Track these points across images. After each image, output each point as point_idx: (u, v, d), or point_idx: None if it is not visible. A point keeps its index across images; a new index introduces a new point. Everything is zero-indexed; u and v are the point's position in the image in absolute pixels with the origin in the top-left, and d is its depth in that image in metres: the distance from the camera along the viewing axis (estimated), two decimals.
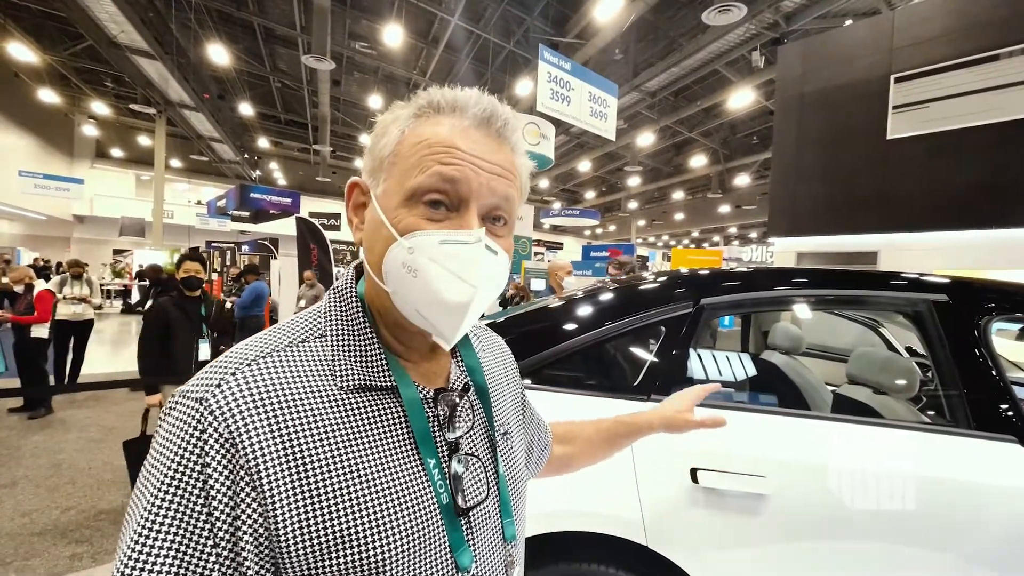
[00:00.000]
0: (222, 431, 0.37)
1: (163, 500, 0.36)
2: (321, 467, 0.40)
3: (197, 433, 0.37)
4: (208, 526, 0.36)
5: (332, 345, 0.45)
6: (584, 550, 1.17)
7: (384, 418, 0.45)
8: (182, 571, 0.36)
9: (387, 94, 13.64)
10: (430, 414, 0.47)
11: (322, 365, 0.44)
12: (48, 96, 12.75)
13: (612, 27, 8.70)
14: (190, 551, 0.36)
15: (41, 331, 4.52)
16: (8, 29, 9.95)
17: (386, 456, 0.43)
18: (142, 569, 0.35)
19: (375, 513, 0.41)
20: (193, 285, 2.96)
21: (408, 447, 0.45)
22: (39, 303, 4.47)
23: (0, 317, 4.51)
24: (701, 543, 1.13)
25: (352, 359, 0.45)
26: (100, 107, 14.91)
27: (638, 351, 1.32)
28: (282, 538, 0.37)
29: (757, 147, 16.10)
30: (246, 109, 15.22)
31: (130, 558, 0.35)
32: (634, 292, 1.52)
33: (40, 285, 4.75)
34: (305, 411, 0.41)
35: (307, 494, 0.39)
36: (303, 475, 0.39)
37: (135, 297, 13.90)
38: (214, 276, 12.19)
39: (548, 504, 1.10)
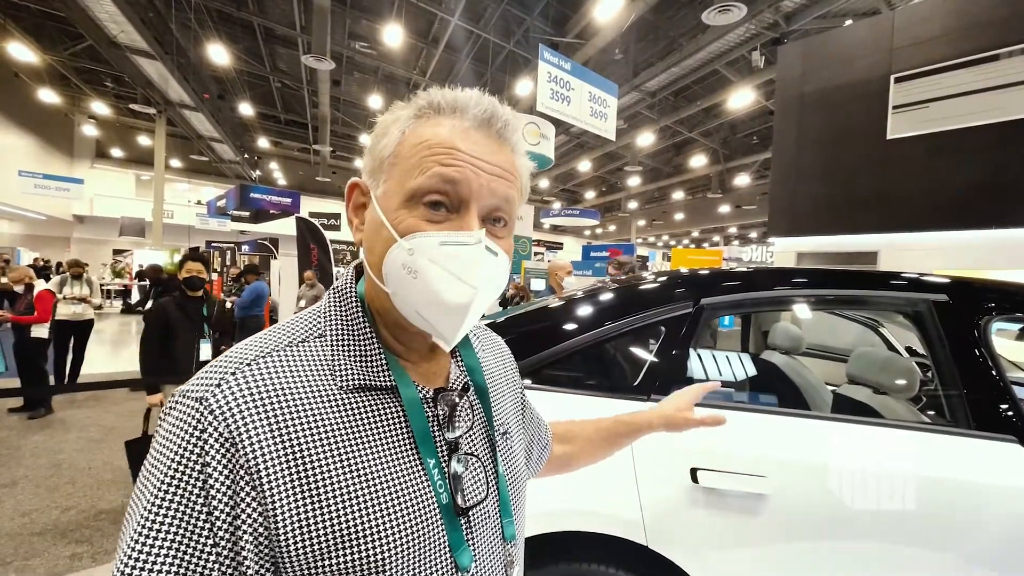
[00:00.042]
0: (222, 430, 0.37)
1: (163, 499, 0.36)
2: (321, 467, 0.40)
3: (197, 432, 0.38)
4: (208, 525, 0.36)
5: (332, 345, 0.45)
6: (584, 550, 1.17)
7: (384, 418, 0.45)
8: (182, 570, 0.36)
9: (387, 94, 13.64)
10: (430, 414, 0.47)
11: (322, 365, 0.44)
12: (48, 96, 12.76)
13: (612, 27, 8.70)
14: (190, 550, 0.36)
15: (41, 331, 4.52)
16: (8, 29, 9.95)
17: (386, 456, 0.43)
18: (142, 568, 0.35)
19: (375, 513, 0.41)
20: (195, 285, 2.97)
21: (408, 447, 0.45)
22: (39, 303, 4.47)
23: (0, 317, 4.51)
24: (701, 543, 1.13)
25: (352, 359, 0.45)
26: (100, 107, 14.91)
27: (638, 351, 1.32)
28: (282, 537, 0.37)
29: (757, 147, 16.10)
30: (246, 109, 15.22)
31: (130, 557, 0.35)
32: (634, 292, 1.52)
33: (40, 285, 4.75)
34: (305, 411, 0.41)
35: (307, 493, 0.39)
36: (303, 474, 0.39)
37: (135, 297, 13.90)
38: (214, 276, 12.19)
39: (548, 504, 1.10)
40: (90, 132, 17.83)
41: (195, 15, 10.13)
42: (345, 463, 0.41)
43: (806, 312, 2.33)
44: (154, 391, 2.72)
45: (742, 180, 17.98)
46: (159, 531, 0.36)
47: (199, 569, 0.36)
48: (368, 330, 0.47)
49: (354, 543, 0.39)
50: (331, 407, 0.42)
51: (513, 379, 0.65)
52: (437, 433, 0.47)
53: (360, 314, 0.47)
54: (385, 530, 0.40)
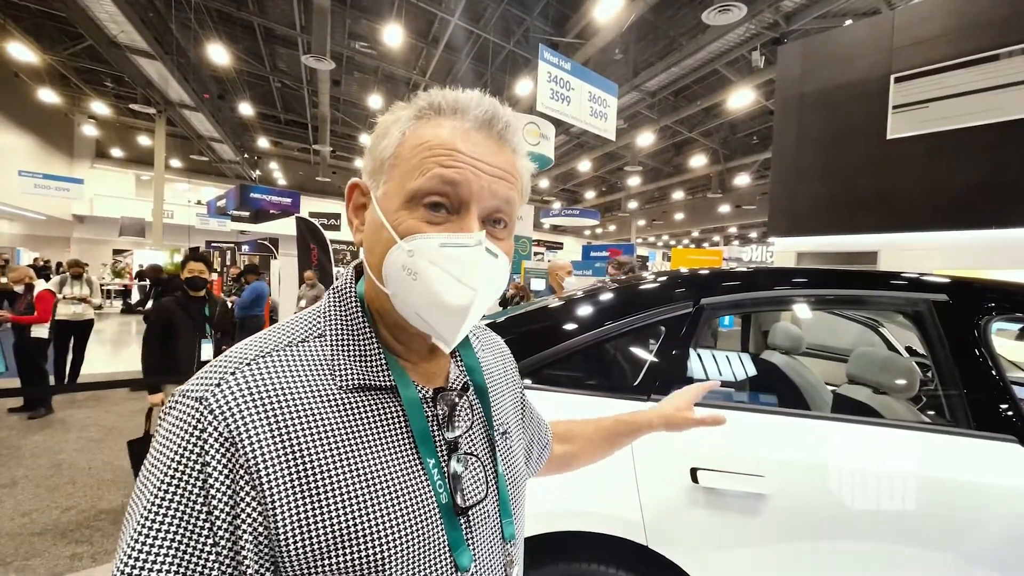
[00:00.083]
0: (222, 430, 0.37)
1: (163, 499, 0.36)
2: (320, 466, 0.40)
3: (197, 432, 0.38)
4: (208, 525, 0.36)
5: (332, 345, 0.45)
6: (584, 550, 1.17)
7: (383, 418, 0.45)
8: (182, 570, 0.36)
9: (387, 94, 13.64)
10: (429, 414, 0.47)
11: (321, 365, 0.44)
12: (48, 96, 12.75)
13: (612, 27, 8.70)
14: (190, 550, 0.36)
15: (41, 331, 4.52)
16: (8, 29, 9.95)
17: (385, 455, 0.43)
18: (142, 568, 0.35)
19: (374, 512, 0.41)
20: (197, 285, 2.98)
21: (407, 447, 0.45)
22: (39, 303, 4.47)
23: (0, 317, 4.51)
24: (701, 543, 1.13)
25: (351, 359, 0.45)
26: (100, 107, 14.91)
27: (638, 351, 1.32)
28: (281, 537, 0.37)
29: (757, 147, 16.10)
30: (246, 109, 15.22)
31: (130, 556, 0.35)
32: (634, 292, 1.52)
33: (40, 285, 4.75)
34: (304, 410, 0.41)
35: (306, 493, 0.39)
36: (302, 474, 0.39)
37: (135, 297, 13.90)
38: (213, 276, 12.18)
39: (548, 504, 1.10)
40: (90, 132, 17.82)
41: (195, 15, 10.13)
42: (345, 463, 0.41)
43: (806, 312, 2.33)
44: (156, 391, 2.73)
45: (742, 180, 17.98)
46: (159, 530, 0.36)
47: (199, 568, 0.36)
48: (368, 330, 0.47)
49: (353, 543, 0.39)
50: (331, 407, 0.42)
51: (513, 379, 0.65)
52: (437, 433, 0.47)
53: (360, 314, 0.47)
54: (384, 530, 0.40)
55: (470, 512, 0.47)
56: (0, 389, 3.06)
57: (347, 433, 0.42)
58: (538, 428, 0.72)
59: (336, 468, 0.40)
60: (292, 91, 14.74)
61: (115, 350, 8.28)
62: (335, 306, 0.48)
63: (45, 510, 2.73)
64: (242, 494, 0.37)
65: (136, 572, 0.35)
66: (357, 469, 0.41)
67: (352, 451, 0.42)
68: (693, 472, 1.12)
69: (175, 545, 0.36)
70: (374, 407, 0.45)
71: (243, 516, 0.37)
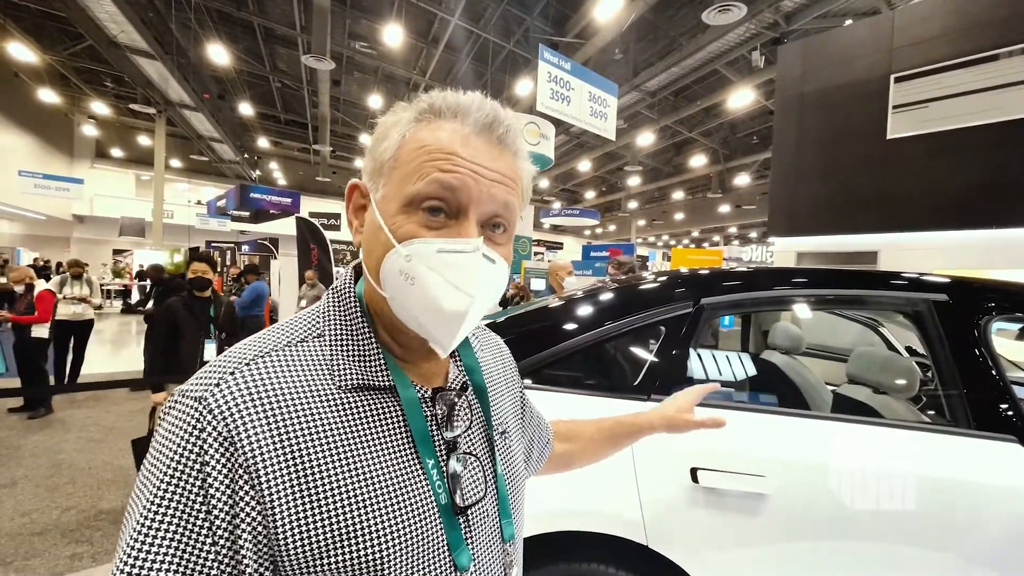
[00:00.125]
0: (221, 430, 0.37)
1: (162, 498, 0.37)
2: (319, 466, 0.40)
3: (196, 432, 0.38)
4: (207, 524, 0.36)
5: (331, 345, 0.45)
6: (584, 550, 1.17)
7: (382, 417, 0.45)
8: (181, 569, 0.36)
9: (387, 94, 13.64)
10: (428, 413, 0.47)
11: (321, 365, 0.44)
12: (48, 96, 12.75)
13: (612, 27, 8.70)
14: (189, 549, 0.36)
15: (41, 331, 4.52)
16: (8, 29, 9.95)
17: (384, 455, 0.43)
18: (141, 567, 0.35)
19: (373, 512, 0.41)
20: (202, 286, 3.00)
21: (406, 446, 0.45)
22: (40, 303, 4.47)
23: (0, 317, 4.51)
24: (701, 543, 1.13)
25: (350, 359, 0.45)
26: (100, 107, 14.90)
27: (638, 351, 1.32)
28: (280, 536, 0.37)
29: (757, 147, 16.10)
30: (246, 109, 15.22)
31: (129, 556, 0.36)
32: (634, 292, 1.52)
33: (40, 285, 4.75)
34: (304, 410, 0.41)
35: (305, 493, 0.39)
36: (301, 474, 0.39)
37: (135, 297, 13.90)
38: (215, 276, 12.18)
39: (548, 503, 1.10)
40: (90, 132, 17.82)
41: (195, 15, 10.13)
42: (344, 462, 0.41)
43: (806, 312, 2.33)
44: (159, 390, 2.75)
45: (742, 180, 17.98)
46: (158, 530, 0.36)
47: (198, 568, 0.36)
48: (367, 330, 0.47)
49: (352, 542, 0.39)
50: (330, 407, 0.42)
51: (512, 379, 0.65)
52: (436, 433, 0.47)
53: (359, 314, 0.47)
54: (383, 530, 0.41)
55: (469, 512, 0.47)
56: (0, 389, 3.06)
57: (346, 433, 0.42)
58: (538, 427, 0.72)
59: (335, 468, 0.40)
60: (292, 91, 14.74)
61: (115, 350, 8.28)
62: (334, 306, 0.48)
63: (45, 510, 2.73)
64: (241, 493, 0.37)
65: (136, 571, 0.35)
66: (356, 469, 0.41)
67: (351, 451, 0.42)
68: (693, 472, 1.12)
69: (174, 544, 0.36)
70: (373, 407, 0.45)
71: (242, 515, 0.37)
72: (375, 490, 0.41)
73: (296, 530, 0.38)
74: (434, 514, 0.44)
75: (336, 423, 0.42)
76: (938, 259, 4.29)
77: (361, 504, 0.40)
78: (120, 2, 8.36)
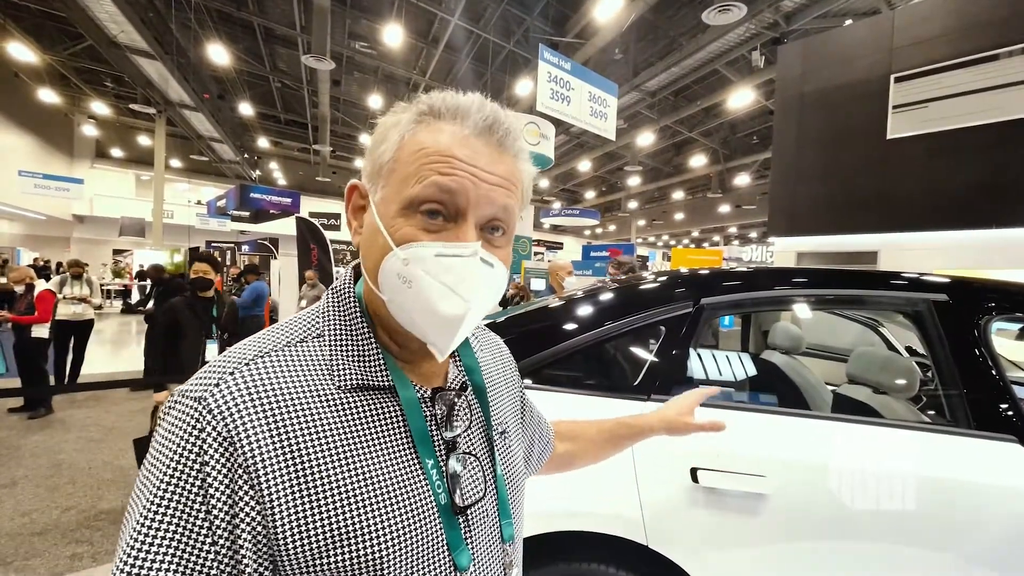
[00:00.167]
0: (220, 430, 0.38)
1: (162, 498, 0.37)
2: (319, 466, 0.40)
3: (196, 432, 0.38)
4: (207, 524, 0.37)
5: (330, 345, 0.45)
6: (584, 550, 1.17)
7: (382, 417, 0.45)
8: (181, 569, 0.36)
9: (387, 94, 13.64)
10: (428, 413, 0.47)
11: (320, 365, 0.44)
12: (48, 96, 12.75)
13: (612, 27, 8.70)
14: (188, 549, 0.36)
15: (41, 331, 4.52)
16: (8, 29, 9.95)
17: (384, 455, 0.43)
18: (141, 567, 0.35)
19: (373, 512, 0.41)
20: (204, 286, 3.00)
21: (406, 446, 0.45)
22: (40, 303, 4.47)
23: (0, 317, 4.51)
24: (701, 543, 1.13)
25: (350, 359, 0.45)
26: (100, 107, 14.91)
27: (638, 351, 1.32)
28: (280, 536, 0.37)
29: (757, 147, 16.10)
30: (246, 109, 15.22)
31: (129, 555, 0.36)
32: (634, 292, 1.52)
33: (40, 285, 4.75)
34: (303, 410, 0.41)
35: (305, 492, 0.39)
36: (301, 473, 0.39)
37: (135, 297, 13.90)
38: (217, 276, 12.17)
39: (548, 504, 1.10)
40: (90, 132, 17.82)
41: (195, 15, 10.13)
42: (343, 462, 0.41)
43: (806, 312, 2.33)
44: (160, 389, 2.75)
45: (742, 180, 17.98)
46: (158, 530, 0.36)
47: (197, 567, 0.36)
48: (366, 331, 0.47)
49: (351, 542, 0.39)
50: (329, 407, 0.42)
51: (512, 379, 0.65)
52: (435, 433, 0.47)
53: (358, 314, 0.47)
54: (383, 529, 0.41)
55: (469, 512, 0.47)
56: (0, 389, 3.06)
57: (346, 433, 0.42)
58: (539, 427, 0.72)
59: (334, 468, 0.40)
60: (292, 91, 14.74)
61: (115, 350, 8.28)
62: (334, 306, 0.48)
63: (45, 510, 2.73)
64: (240, 493, 0.37)
65: (135, 571, 0.35)
66: (355, 469, 0.41)
67: (351, 451, 0.42)
68: (693, 472, 1.12)
69: (174, 544, 0.36)
70: (373, 407, 0.45)
71: (242, 515, 0.37)
72: (375, 490, 0.41)
73: (296, 530, 0.38)
74: (433, 514, 0.44)
75: (336, 423, 0.42)
76: (938, 259, 4.29)
77: (360, 504, 0.40)
78: (120, 2, 8.36)
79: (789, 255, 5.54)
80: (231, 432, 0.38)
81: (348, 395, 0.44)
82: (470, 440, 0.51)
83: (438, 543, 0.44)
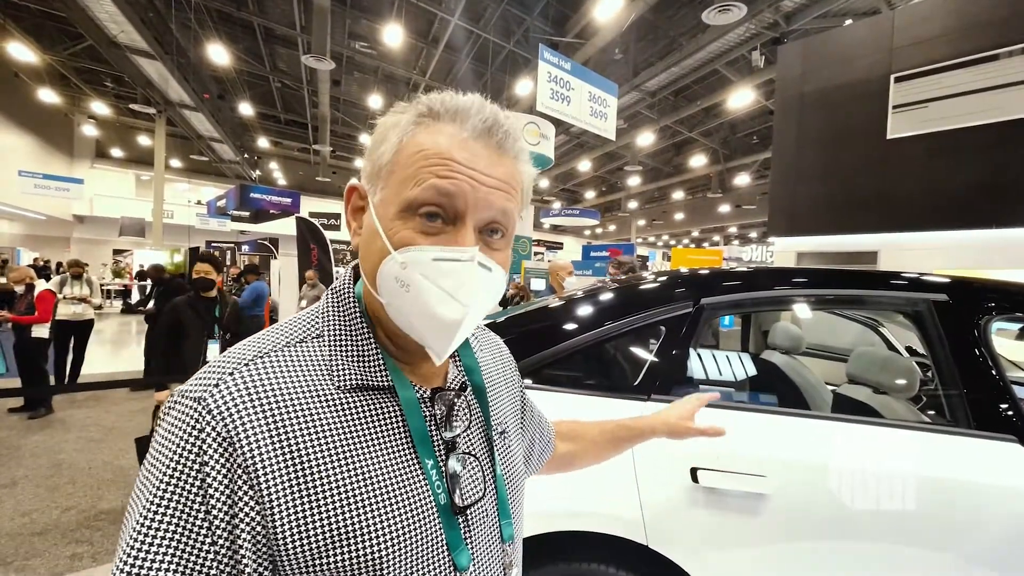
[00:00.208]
0: (220, 430, 0.38)
1: (161, 499, 0.37)
2: (318, 466, 0.40)
3: (195, 432, 0.38)
4: (206, 524, 0.37)
5: (330, 345, 0.45)
6: (584, 550, 1.17)
7: (381, 418, 0.45)
8: (180, 569, 0.36)
9: (387, 94, 13.64)
10: (427, 414, 0.47)
11: (320, 365, 0.44)
12: (48, 96, 12.75)
13: (612, 27, 8.69)
14: (188, 549, 0.36)
15: (41, 331, 4.52)
16: (8, 29, 9.95)
17: (383, 455, 0.43)
18: (141, 567, 0.35)
19: (372, 512, 0.41)
20: (206, 286, 3.01)
21: (405, 447, 0.45)
22: (40, 303, 4.47)
23: (0, 317, 4.51)
24: (701, 543, 1.13)
25: (349, 359, 0.45)
26: (100, 107, 14.91)
27: (638, 351, 1.32)
28: (279, 536, 0.37)
29: (757, 147, 16.10)
30: (246, 109, 15.22)
31: (129, 555, 0.36)
32: (634, 292, 1.52)
33: (41, 285, 4.75)
34: (303, 410, 0.41)
35: (304, 492, 0.39)
36: (300, 474, 0.39)
37: (135, 297, 13.90)
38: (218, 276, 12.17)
39: (548, 504, 1.10)
40: (90, 132, 17.82)
41: (195, 15, 10.13)
42: (343, 462, 0.41)
43: (806, 312, 2.33)
44: (162, 388, 2.75)
45: (742, 180, 17.98)
46: (157, 530, 0.36)
47: (197, 568, 0.36)
48: (366, 331, 0.47)
49: (351, 542, 0.39)
50: (329, 407, 0.42)
51: (512, 379, 0.65)
52: (435, 433, 0.47)
53: (357, 315, 0.47)
54: (382, 530, 0.41)
55: (468, 512, 0.47)
56: (0, 389, 3.06)
57: (345, 433, 0.42)
58: (540, 427, 0.72)
59: (334, 468, 0.40)
60: (292, 91, 14.74)
61: (115, 350, 8.28)
62: (333, 307, 0.48)
63: (45, 510, 2.73)
64: (240, 493, 0.37)
65: (135, 571, 0.35)
66: (355, 469, 0.41)
67: (350, 451, 0.42)
68: (693, 472, 1.12)
69: (174, 544, 0.36)
70: (372, 407, 0.45)
71: (241, 516, 0.37)
72: (374, 490, 0.41)
73: (295, 530, 0.38)
74: (433, 514, 0.44)
75: (335, 423, 0.42)
76: (938, 259, 4.29)
77: (360, 504, 0.40)
78: (120, 2, 8.36)
79: (789, 255, 5.54)
80: (231, 432, 0.38)
81: (348, 395, 0.44)
82: (470, 440, 0.51)
83: (438, 543, 0.44)
